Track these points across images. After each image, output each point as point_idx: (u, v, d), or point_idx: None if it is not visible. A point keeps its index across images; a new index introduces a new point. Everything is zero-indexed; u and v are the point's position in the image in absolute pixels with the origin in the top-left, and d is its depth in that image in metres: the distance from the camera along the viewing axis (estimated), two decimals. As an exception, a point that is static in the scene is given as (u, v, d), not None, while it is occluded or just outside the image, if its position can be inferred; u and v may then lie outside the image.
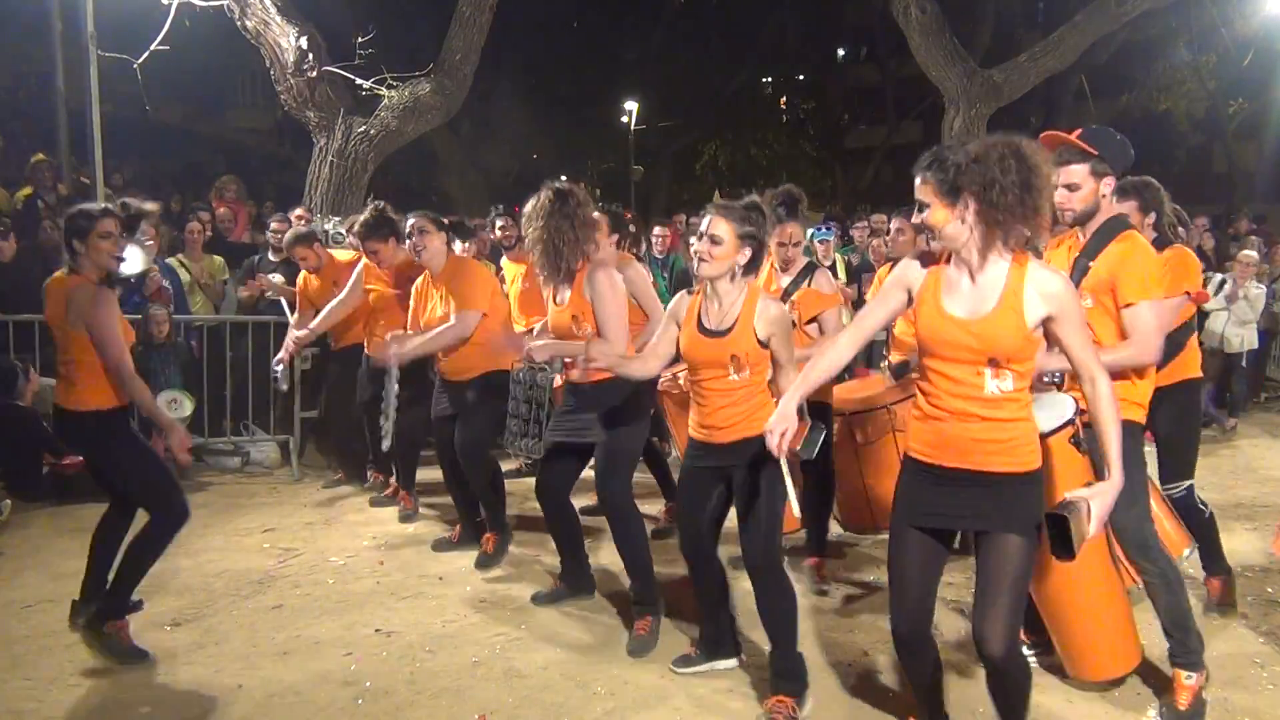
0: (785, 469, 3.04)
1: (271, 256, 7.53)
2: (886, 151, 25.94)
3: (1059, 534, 2.55)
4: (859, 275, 8.39)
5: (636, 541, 4.16)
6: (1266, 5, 14.04)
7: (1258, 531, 5.40)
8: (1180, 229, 4.22)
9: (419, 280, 5.18)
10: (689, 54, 21.58)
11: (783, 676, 3.44)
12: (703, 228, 3.44)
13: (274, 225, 7.75)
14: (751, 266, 3.44)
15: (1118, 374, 3.22)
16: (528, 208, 4.20)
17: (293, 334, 6.13)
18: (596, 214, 4.35)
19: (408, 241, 5.07)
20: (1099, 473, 2.86)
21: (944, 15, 10.53)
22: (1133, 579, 3.51)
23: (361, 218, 5.87)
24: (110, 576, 4.06)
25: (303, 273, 6.61)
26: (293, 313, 6.62)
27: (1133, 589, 3.56)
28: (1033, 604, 3.61)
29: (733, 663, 3.79)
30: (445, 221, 5.21)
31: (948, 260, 2.71)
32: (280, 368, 6.04)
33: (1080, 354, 2.62)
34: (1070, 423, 3.18)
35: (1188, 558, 4.02)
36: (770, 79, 26.16)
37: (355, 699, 3.62)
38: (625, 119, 23.92)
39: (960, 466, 2.67)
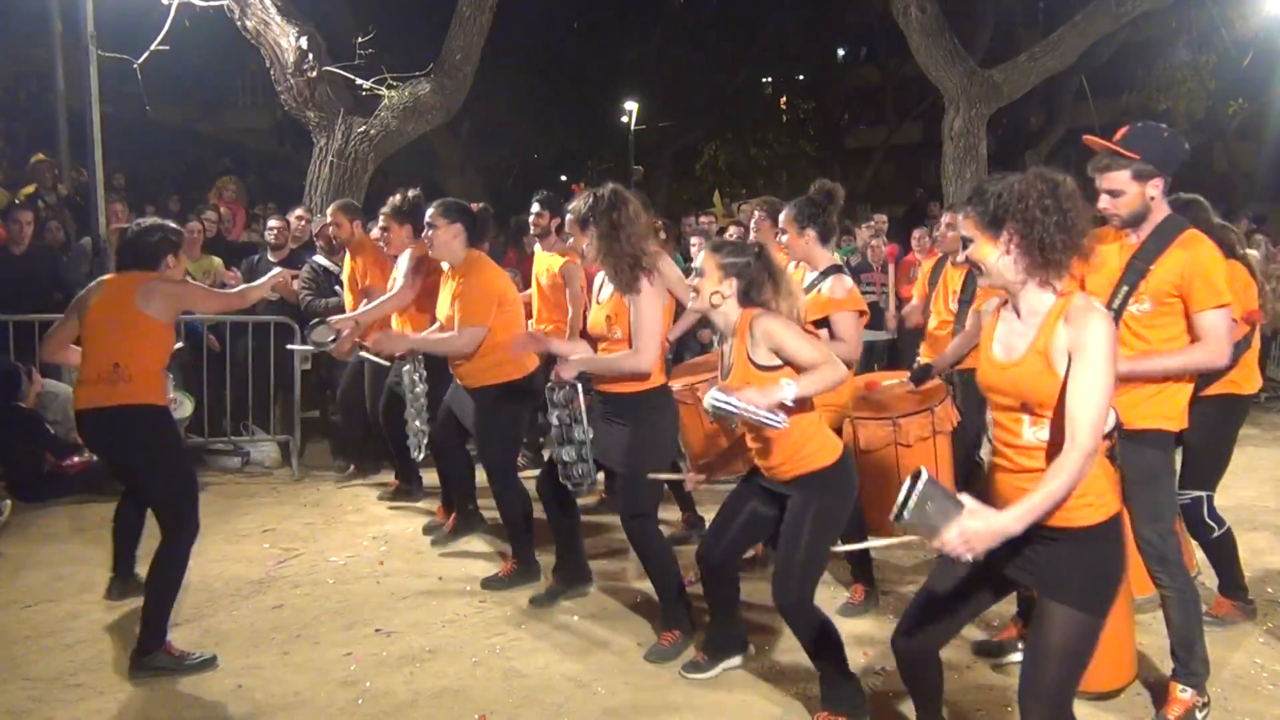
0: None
1: (270, 256, 7.52)
2: (886, 151, 25.94)
3: (908, 491, 2.35)
4: (857, 275, 8.38)
5: (662, 567, 4.04)
6: (1266, 5, 14.02)
7: (1258, 531, 5.40)
8: (1238, 246, 4.11)
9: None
10: (689, 54, 21.55)
11: (835, 702, 3.36)
12: (694, 263, 3.47)
13: (273, 224, 7.74)
14: (747, 300, 3.37)
15: (1155, 379, 3.17)
16: (578, 205, 4.04)
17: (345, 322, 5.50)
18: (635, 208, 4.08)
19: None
20: (1125, 487, 2.76)
21: (944, 15, 10.51)
22: (1139, 589, 3.48)
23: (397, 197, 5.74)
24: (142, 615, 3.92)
25: (347, 262, 6.44)
26: (303, 339, 6.33)
27: (1140, 600, 3.54)
28: (1029, 599, 3.62)
29: (739, 659, 3.77)
30: (468, 210, 4.91)
31: (1006, 303, 2.62)
32: (315, 335, 5.39)
33: (1074, 404, 2.36)
34: (1108, 435, 3.12)
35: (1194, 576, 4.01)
36: (770, 79, 26.12)
37: (355, 699, 3.62)
38: (625, 119, 23.91)
39: None
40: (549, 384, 4.04)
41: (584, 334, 4.69)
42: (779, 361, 3.26)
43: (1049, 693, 2.46)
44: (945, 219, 5.48)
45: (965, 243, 2.59)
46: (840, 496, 3.35)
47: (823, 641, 3.36)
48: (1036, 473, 2.45)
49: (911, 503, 2.34)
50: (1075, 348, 2.39)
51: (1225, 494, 4.14)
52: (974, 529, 2.33)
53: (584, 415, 3.97)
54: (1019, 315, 2.55)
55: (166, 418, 4.09)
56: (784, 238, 4.42)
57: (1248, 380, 4.08)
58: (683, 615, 4.02)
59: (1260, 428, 8.67)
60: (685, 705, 3.55)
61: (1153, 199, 3.20)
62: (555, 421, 4.04)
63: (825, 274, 4.30)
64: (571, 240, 4.43)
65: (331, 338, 5.24)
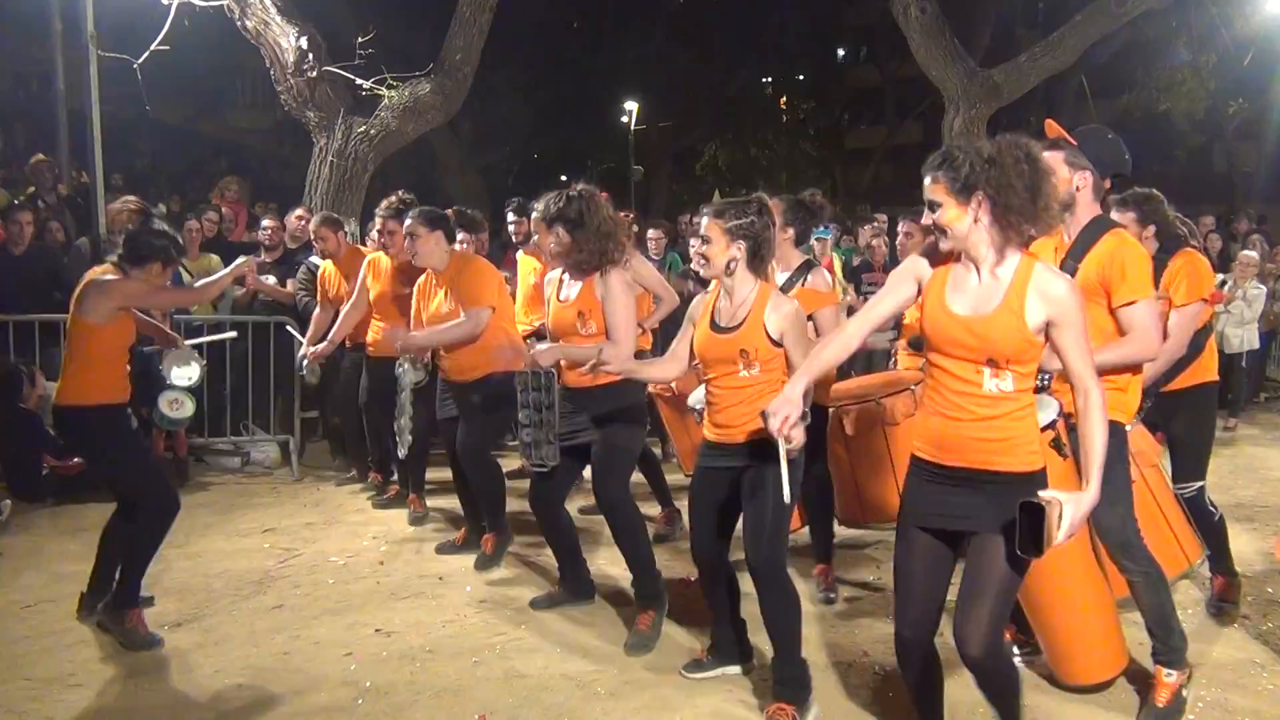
0: (783, 458, 2.97)
1: (264, 256, 7.51)
2: (886, 151, 25.98)
3: (1031, 527, 2.48)
4: (858, 276, 8.39)
5: (637, 537, 4.15)
6: (1266, 5, 14.02)
7: (1258, 531, 5.41)
8: (1186, 232, 4.21)
9: (421, 279, 5.15)
10: (689, 54, 21.58)
11: (785, 684, 3.41)
12: (699, 230, 3.49)
13: (266, 224, 7.73)
14: (756, 262, 3.44)
15: (1107, 372, 3.19)
16: (542, 208, 4.15)
17: (310, 347, 6.03)
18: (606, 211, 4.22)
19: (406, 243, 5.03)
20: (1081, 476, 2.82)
21: (944, 15, 10.52)
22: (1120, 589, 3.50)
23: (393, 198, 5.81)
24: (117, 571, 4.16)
25: (321, 265, 6.59)
26: (302, 332, 6.50)
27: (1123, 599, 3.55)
28: (1021, 606, 3.62)
29: (738, 668, 3.76)
30: (446, 215, 5.13)
31: (958, 258, 2.70)
32: (307, 363, 5.99)
33: (1076, 363, 2.59)
34: (1051, 425, 3.15)
35: (1200, 566, 4.02)
36: (770, 79, 26.15)
37: (355, 699, 3.62)
38: (625, 119, 23.92)
39: (959, 465, 2.66)
40: (522, 369, 4.10)
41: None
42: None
43: (989, 622, 2.64)
44: (903, 227, 5.55)
45: (932, 206, 2.64)
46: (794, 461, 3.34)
47: (788, 613, 3.42)
48: (998, 420, 2.60)
49: (1044, 539, 2.45)
50: (1058, 320, 2.55)
51: (1225, 494, 4.16)
52: (1078, 515, 2.49)
53: (556, 399, 4.03)
54: (980, 275, 2.63)
55: (107, 417, 4.11)
56: None
57: (1213, 368, 4.19)
58: (655, 588, 4.12)
59: (1260, 428, 8.68)
60: (685, 705, 3.55)
61: (1078, 189, 3.28)
62: (529, 405, 4.08)
63: (801, 270, 4.42)
64: (536, 239, 4.52)
65: (314, 373, 5.53)
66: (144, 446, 4.36)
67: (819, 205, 4.72)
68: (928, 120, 22.41)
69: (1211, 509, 4.15)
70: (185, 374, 5.08)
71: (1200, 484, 4.12)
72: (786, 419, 2.76)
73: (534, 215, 4.32)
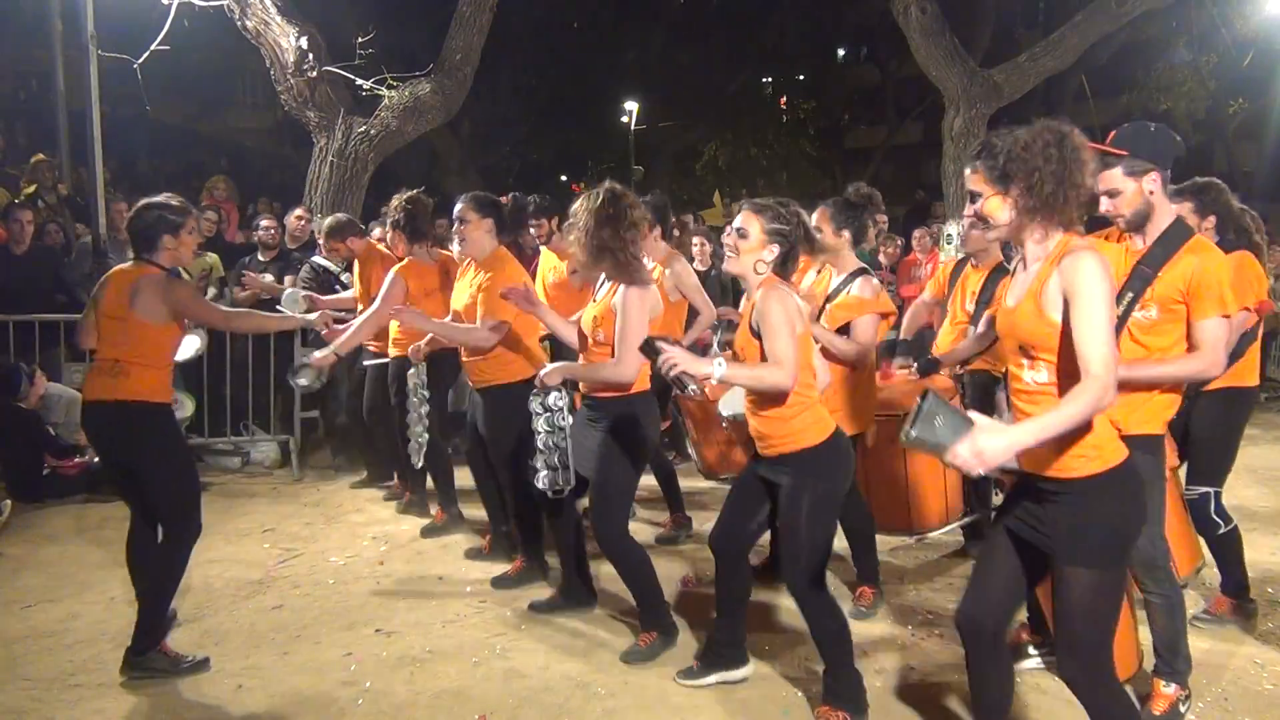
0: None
1: (261, 256, 7.50)
2: (886, 151, 25.94)
3: (917, 409, 2.33)
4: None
5: (639, 574, 4.02)
6: (1266, 5, 14.00)
7: (1259, 531, 5.40)
8: (1256, 234, 4.07)
9: (461, 268, 4.91)
10: (689, 54, 21.56)
11: (837, 696, 3.37)
12: (734, 222, 3.41)
13: (264, 223, 7.72)
14: (783, 266, 3.37)
15: (1143, 386, 3.12)
16: (575, 208, 3.97)
17: (320, 354, 5.19)
18: (639, 213, 4.02)
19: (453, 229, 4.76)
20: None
21: (944, 15, 10.51)
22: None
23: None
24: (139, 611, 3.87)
25: (356, 274, 6.28)
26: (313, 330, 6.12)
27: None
28: (1038, 605, 3.61)
29: (742, 672, 3.71)
30: (499, 202, 4.85)
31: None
32: (303, 368, 5.16)
33: (1080, 339, 2.38)
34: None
35: (1196, 575, 4.00)
36: (770, 79, 26.10)
37: (355, 699, 3.62)
38: (625, 119, 23.91)
39: (1027, 470, 2.56)
40: (533, 391, 3.99)
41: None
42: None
43: (1082, 649, 2.52)
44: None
45: (974, 197, 2.60)
46: (831, 477, 3.33)
47: (833, 630, 3.36)
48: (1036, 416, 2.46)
49: (919, 419, 2.31)
50: (1069, 292, 2.41)
51: (1225, 494, 4.13)
52: (986, 442, 2.30)
53: (567, 422, 3.95)
54: (1024, 265, 2.60)
55: (167, 416, 4.00)
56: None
57: (1251, 372, 4.05)
58: (662, 618, 4.02)
59: (1260, 428, 8.67)
60: (686, 705, 3.55)
61: (1152, 194, 3.16)
62: (539, 428, 3.99)
63: (854, 275, 4.31)
64: (556, 237, 4.36)
65: (317, 380, 5.12)
66: (191, 459, 4.12)
67: (865, 195, 4.51)
68: (928, 120, 22.41)
69: (1216, 519, 4.03)
70: (189, 346, 4.88)
71: (1209, 489, 4.00)
72: (983, 460, 2.34)
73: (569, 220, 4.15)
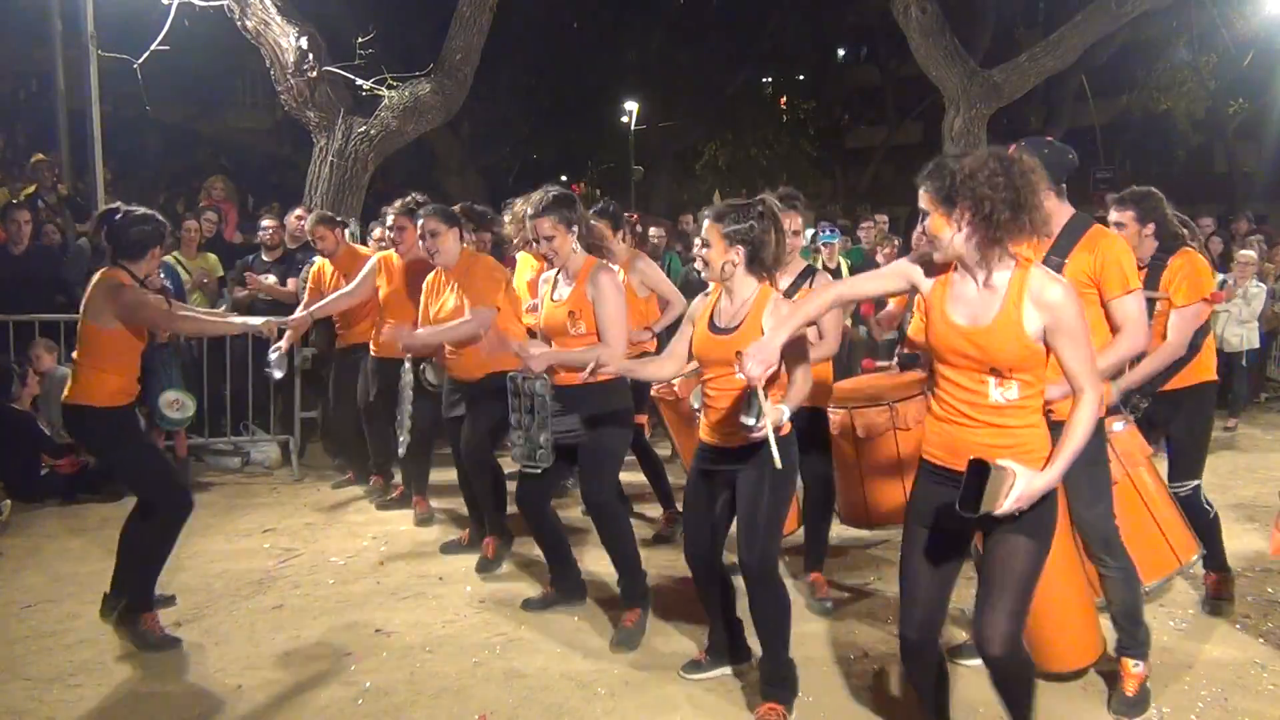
0: (770, 431, 2.99)
1: (264, 256, 7.51)
2: (886, 151, 25.93)
3: (977, 486, 2.46)
4: (859, 276, 8.39)
5: (622, 538, 4.19)
6: (1266, 5, 14.01)
7: (1258, 531, 5.40)
8: (1186, 232, 4.21)
9: (430, 275, 5.10)
10: (689, 54, 21.53)
11: (773, 683, 3.42)
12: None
13: (267, 223, 7.73)
14: (756, 265, 3.43)
15: (1107, 374, 3.30)
16: (520, 207, 4.24)
17: (288, 320, 5.58)
18: (594, 221, 4.36)
19: (420, 244, 4.96)
20: (1065, 475, 2.74)
21: (944, 15, 10.51)
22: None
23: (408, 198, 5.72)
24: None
25: (317, 263, 6.56)
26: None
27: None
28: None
29: (741, 668, 3.75)
30: (456, 213, 5.11)
31: (954, 268, 2.71)
32: (274, 356, 5.33)
33: (1073, 366, 2.59)
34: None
35: (1194, 564, 4.02)
36: (770, 79, 26.10)
37: (355, 699, 3.62)
38: (625, 119, 23.89)
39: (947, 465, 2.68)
40: (518, 375, 4.09)
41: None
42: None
43: (1011, 619, 2.66)
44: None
45: (923, 215, 2.69)
46: (787, 463, 3.32)
47: (777, 612, 3.42)
48: (1006, 428, 2.63)
49: (984, 499, 2.44)
50: (1054, 327, 2.56)
51: (1226, 493, 4.17)
52: (1030, 489, 2.49)
53: (549, 401, 4.05)
54: (978, 284, 2.66)
55: (113, 418, 4.08)
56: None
57: (1210, 367, 4.23)
58: (640, 588, 4.17)
59: (1260, 428, 8.68)
60: (686, 705, 3.55)
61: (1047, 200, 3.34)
62: (520, 408, 4.08)
63: (804, 275, 4.43)
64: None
65: (283, 369, 5.42)
66: (151, 445, 4.36)
67: (791, 193, 4.59)
68: (928, 120, 22.43)
69: (1206, 507, 4.19)
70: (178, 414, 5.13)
71: (1195, 483, 4.16)
72: (765, 364, 2.86)
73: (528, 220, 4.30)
